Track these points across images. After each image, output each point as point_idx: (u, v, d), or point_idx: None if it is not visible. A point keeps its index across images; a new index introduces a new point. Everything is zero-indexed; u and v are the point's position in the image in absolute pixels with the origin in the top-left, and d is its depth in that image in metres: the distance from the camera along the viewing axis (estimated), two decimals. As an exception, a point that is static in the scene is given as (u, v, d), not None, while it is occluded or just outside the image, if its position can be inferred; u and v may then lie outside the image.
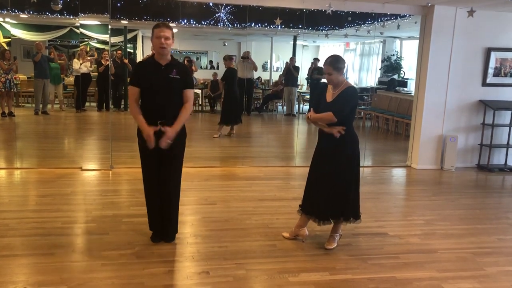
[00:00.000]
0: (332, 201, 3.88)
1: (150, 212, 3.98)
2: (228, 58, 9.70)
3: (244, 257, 3.74)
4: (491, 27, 7.21)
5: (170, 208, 3.91)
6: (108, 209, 4.78)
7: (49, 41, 14.78)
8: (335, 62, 3.84)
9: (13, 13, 9.94)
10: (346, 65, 3.94)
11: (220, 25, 10.46)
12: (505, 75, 7.45)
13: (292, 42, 14.86)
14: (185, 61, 13.33)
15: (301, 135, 10.27)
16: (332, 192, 3.87)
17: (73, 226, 4.31)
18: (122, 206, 4.92)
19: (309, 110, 4.09)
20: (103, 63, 12.17)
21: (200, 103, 14.22)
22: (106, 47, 14.10)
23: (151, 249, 3.81)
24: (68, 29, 14.02)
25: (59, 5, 8.41)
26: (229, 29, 11.01)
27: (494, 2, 6.22)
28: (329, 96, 3.93)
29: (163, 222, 3.94)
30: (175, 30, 12.60)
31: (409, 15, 8.23)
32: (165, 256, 3.70)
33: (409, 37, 13.72)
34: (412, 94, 9.12)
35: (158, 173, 3.84)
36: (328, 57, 3.92)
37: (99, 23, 12.32)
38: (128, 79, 13.25)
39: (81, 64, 12.11)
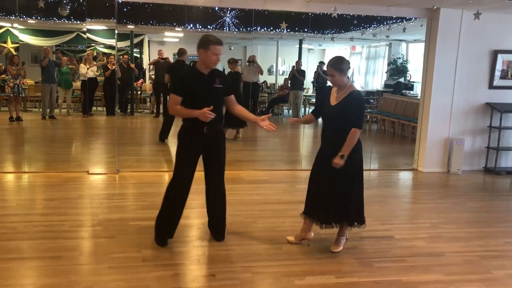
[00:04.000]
0: (335, 205, 3.86)
1: (170, 217, 3.96)
2: (232, 62, 9.73)
3: (250, 260, 3.75)
4: (497, 30, 7.19)
5: (223, 206, 4.09)
6: (114, 212, 4.80)
7: (56, 46, 14.89)
8: (337, 63, 3.82)
9: (21, 19, 10.04)
10: (350, 66, 3.91)
11: (226, 29, 10.50)
12: (512, 78, 7.42)
13: (297, 46, 14.88)
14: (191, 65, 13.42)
15: (307, 139, 10.26)
16: (334, 196, 3.85)
17: (80, 229, 4.34)
18: (128, 210, 4.94)
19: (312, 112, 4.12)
20: (110, 67, 12.25)
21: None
22: (113, 52, 14.19)
23: (158, 252, 3.82)
24: (75, 34, 14.12)
25: (67, 11, 8.48)
26: (234, 33, 11.04)
27: (500, 4, 6.20)
28: (333, 99, 3.93)
29: (217, 221, 4.11)
30: (181, 35, 12.65)
31: (415, 18, 8.21)
32: (171, 259, 3.72)
33: (415, 40, 13.70)
34: (418, 97, 9.09)
35: (192, 176, 3.98)
36: (331, 59, 3.90)
37: (105, 28, 12.41)
38: (144, 83, 13.33)
39: (88, 69, 12.19)
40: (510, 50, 7.31)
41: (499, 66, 7.32)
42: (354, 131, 3.72)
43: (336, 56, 3.92)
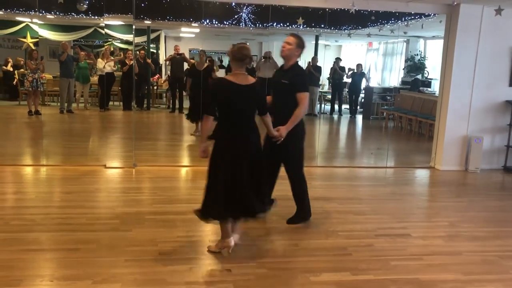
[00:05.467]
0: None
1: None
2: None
3: (266, 256, 3.75)
4: (519, 26, 7.05)
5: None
6: (131, 206, 4.84)
7: (74, 41, 15.06)
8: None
9: (40, 14, 10.18)
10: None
11: (242, 25, 10.48)
12: (533, 75, 7.27)
13: (314, 42, 14.79)
14: (207, 61, 13.44)
15: (322, 135, 10.22)
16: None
17: (97, 222, 4.38)
18: (145, 204, 4.98)
19: None
20: (127, 62, 12.34)
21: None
22: (130, 47, 14.30)
23: (174, 246, 3.85)
24: (92, 29, 14.26)
25: (85, 6, 8.56)
26: (251, 29, 11.02)
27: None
28: None
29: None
30: (197, 30, 12.73)
31: (434, 14, 8.10)
32: (187, 254, 3.73)
33: (433, 36, 13.51)
34: (436, 95, 8.98)
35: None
36: None
37: (123, 23, 12.50)
38: (160, 78, 13.40)
39: (105, 64, 12.30)
40: (532, 47, 7.16)
41: (520, 63, 7.18)
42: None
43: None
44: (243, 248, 3.85)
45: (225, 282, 3.28)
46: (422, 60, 14.43)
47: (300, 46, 4.25)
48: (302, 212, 4.53)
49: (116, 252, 3.70)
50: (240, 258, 3.68)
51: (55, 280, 3.22)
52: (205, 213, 3.68)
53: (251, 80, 3.69)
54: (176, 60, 12.50)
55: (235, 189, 3.59)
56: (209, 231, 4.23)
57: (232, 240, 3.74)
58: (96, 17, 10.17)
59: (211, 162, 3.65)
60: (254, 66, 12.22)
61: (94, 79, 12.98)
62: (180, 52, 12.79)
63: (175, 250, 3.79)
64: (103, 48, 13.54)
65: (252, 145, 3.71)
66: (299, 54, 4.29)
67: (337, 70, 13.68)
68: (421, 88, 12.45)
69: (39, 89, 10.93)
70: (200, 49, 9.30)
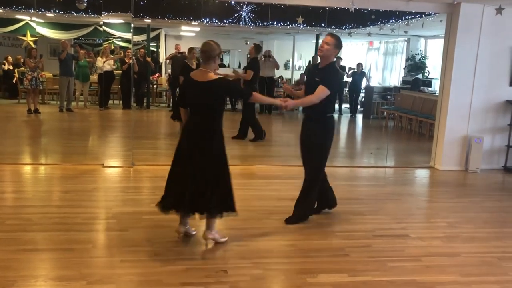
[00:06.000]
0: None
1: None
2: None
3: (262, 256, 3.72)
4: (520, 26, 7.01)
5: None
6: (128, 206, 4.82)
7: (74, 39, 15.03)
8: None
9: (40, 12, 10.15)
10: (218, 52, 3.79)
11: (242, 23, 10.45)
12: (534, 75, 7.23)
13: (314, 41, 14.75)
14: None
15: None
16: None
17: (94, 222, 4.36)
18: (142, 203, 4.95)
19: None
20: (127, 61, 12.30)
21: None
22: (130, 46, 14.26)
23: (170, 247, 3.82)
24: (92, 27, 14.22)
25: (84, 4, 8.54)
26: (251, 27, 10.99)
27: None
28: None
29: None
30: (197, 29, 12.60)
31: (434, 13, 8.06)
32: (184, 254, 3.71)
33: (434, 35, 13.47)
34: (437, 94, 8.93)
35: None
36: None
37: (122, 21, 12.46)
38: (160, 77, 13.34)
39: (104, 62, 12.27)
40: (533, 47, 7.12)
41: (520, 63, 7.14)
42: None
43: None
44: (239, 249, 3.83)
45: (221, 283, 3.26)
46: (422, 59, 14.39)
47: (338, 46, 4.36)
48: (302, 211, 4.52)
49: (111, 252, 3.68)
50: (237, 258, 3.65)
51: (49, 280, 3.19)
52: (160, 202, 3.89)
53: (211, 77, 3.70)
54: (177, 59, 12.47)
55: (181, 182, 3.77)
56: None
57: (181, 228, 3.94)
58: (95, 16, 10.14)
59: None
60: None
61: (94, 77, 12.96)
62: (181, 50, 12.77)
63: (171, 250, 3.76)
64: (103, 47, 13.51)
65: (201, 143, 3.76)
66: (336, 54, 4.42)
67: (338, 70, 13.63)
68: (421, 87, 12.40)
69: (38, 88, 10.90)
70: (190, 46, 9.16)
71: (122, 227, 4.19)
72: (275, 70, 12.36)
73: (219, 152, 3.79)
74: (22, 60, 12.79)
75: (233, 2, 9.65)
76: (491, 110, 7.22)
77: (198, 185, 3.71)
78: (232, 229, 4.27)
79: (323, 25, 10.65)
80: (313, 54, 14.36)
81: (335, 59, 4.52)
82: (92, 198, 5.08)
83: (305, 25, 10.44)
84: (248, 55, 8.77)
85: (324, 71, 4.35)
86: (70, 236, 3.96)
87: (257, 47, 8.58)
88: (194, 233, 4.07)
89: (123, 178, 6.02)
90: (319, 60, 4.58)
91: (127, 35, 13.27)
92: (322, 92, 4.21)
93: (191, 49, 9.00)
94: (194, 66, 8.81)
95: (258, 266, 3.53)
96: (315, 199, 4.64)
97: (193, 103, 3.80)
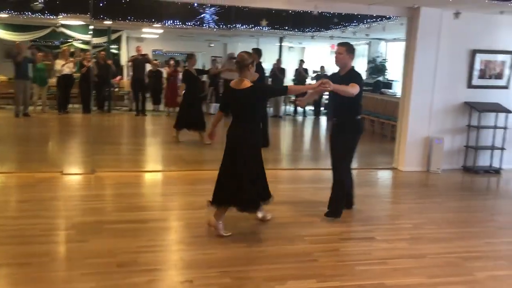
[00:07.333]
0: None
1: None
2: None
3: (230, 264, 3.64)
4: (476, 30, 7.22)
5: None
6: (89, 215, 4.63)
7: (31, 41, 14.50)
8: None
9: (-7, 13, 9.71)
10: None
11: (205, 26, 10.35)
12: (490, 77, 7.47)
13: (278, 44, 14.81)
14: (171, 62, 13.20)
15: (287, 137, 10.22)
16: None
17: (52, 233, 4.15)
18: (104, 212, 4.77)
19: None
20: (86, 64, 11.94)
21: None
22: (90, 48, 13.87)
23: (133, 257, 3.67)
24: (50, 29, 13.78)
25: (40, 5, 8.21)
26: (214, 30, 10.90)
27: (479, 4, 6.21)
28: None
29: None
30: (160, 31, 12.42)
31: (395, 17, 8.21)
32: (148, 265, 3.57)
33: (395, 38, 13.76)
34: (398, 96, 9.10)
35: None
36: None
37: (82, 23, 12.10)
38: (122, 80, 12.99)
39: (63, 65, 11.86)
40: (488, 50, 7.35)
41: (477, 66, 7.35)
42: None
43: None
44: (206, 257, 3.73)
45: (187, 294, 3.16)
46: (383, 62, 14.68)
47: (350, 51, 4.68)
48: (335, 208, 4.78)
49: (71, 265, 3.51)
50: (203, 267, 3.55)
51: (3, 298, 3.01)
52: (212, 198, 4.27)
53: (247, 84, 4.11)
54: (138, 61, 12.23)
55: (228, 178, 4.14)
56: (172, 240, 4.10)
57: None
58: (52, 17, 9.78)
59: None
60: (219, 67, 12.10)
61: (53, 81, 12.53)
62: (143, 53, 12.52)
63: (134, 261, 3.62)
64: (62, 49, 13.06)
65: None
66: (352, 58, 4.72)
67: (301, 72, 13.73)
68: (382, 89, 12.63)
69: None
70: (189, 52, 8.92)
71: (82, 238, 4.01)
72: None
73: (256, 150, 4.27)
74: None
75: (196, 4, 9.53)
76: (451, 111, 7.41)
77: (245, 180, 4.10)
78: (197, 236, 4.17)
79: (286, 28, 10.69)
80: (277, 56, 14.38)
81: (352, 65, 4.79)
82: (50, 208, 4.84)
83: (269, 27, 10.45)
84: None
85: (349, 75, 4.63)
86: (27, 249, 3.75)
87: (257, 51, 8.22)
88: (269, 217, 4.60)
89: (83, 186, 5.80)
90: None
91: (87, 37, 12.91)
92: (355, 87, 4.44)
93: (191, 56, 8.81)
94: (195, 73, 8.65)
95: (226, 274, 3.45)
96: (343, 195, 4.87)
97: (235, 108, 4.22)
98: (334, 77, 4.77)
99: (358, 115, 4.78)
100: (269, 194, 4.39)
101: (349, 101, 4.57)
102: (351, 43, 4.84)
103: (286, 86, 4.65)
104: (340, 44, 4.71)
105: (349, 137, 4.75)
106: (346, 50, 4.64)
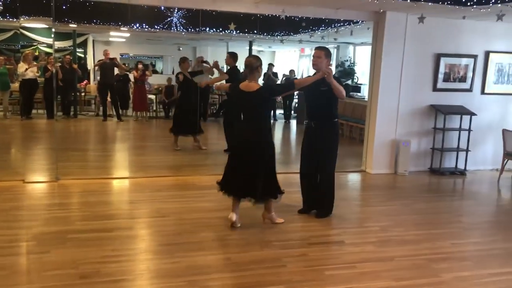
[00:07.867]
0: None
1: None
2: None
3: (198, 273, 3.56)
4: (440, 34, 7.38)
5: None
6: (51, 225, 4.47)
7: (-8, 44, 14.04)
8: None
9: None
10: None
11: (174, 29, 10.22)
12: (454, 80, 7.64)
13: (248, 48, 14.79)
14: (139, 66, 12.98)
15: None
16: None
17: (11, 245, 3.97)
18: (67, 221, 4.62)
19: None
20: (49, 68, 11.61)
21: (155, 109, 13.89)
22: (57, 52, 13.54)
23: (97, 268, 3.56)
24: (12, 32, 13.37)
25: (0, 7, 7.92)
26: (183, 33, 10.78)
27: (443, 9, 6.34)
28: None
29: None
30: (127, 35, 12.19)
31: (362, 21, 8.31)
32: (112, 276, 3.46)
33: (362, 43, 13.95)
34: (366, 99, 9.20)
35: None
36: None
37: (45, 26, 11.77)
38: (88, 84, 12.69)
39: (26, 69, 11.50)
40: (451, 54, 7.52)
41: (442, 69, 7.51)
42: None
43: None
44: (172, 266, 3.65)
45: (152, 305, 3.07)
46: (351, 66, 14.85)
47: (328, 55, 4.79)
48: (327, 207, 5.02)
49: (31, 279, 3.37)
50: (169, 277, 3.47)
51: (-44, 316, 2.85)
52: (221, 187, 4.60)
53: (255, 86, 4.39)
54: (106, 65, 11.98)
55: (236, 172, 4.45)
56: (138, 249, 3.99)
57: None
58: (13, 19, 9.46)
59: None
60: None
61: (15, 85, 12.14)
62: (111, 57, 12.28)
63: (98, 272, 3.50)
64: (24, 52, 12.65)
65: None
66: (329, 62, 4.81)
67: (270, 76, 13.75)
68: (351, 93, 12.77)
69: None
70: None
71: (44, 249, 3.86)
72: (209, 76, 12.21)
73: (272, 146, 4.55)
74: None
75: (163, 8, 9.41)
76: (417, 114, 7.53)
77: (258, 176, 4.42)
78: (164, 244, 4.08)
79: (255, 31, 10.67)
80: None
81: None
82: (9, 218, 4.65)
83: (238, 31, 10.40)
84: (228, 66, 8.40)
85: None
86: (-17, 262, 3.58)
87: (233, 55, 8.19)
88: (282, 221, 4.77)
89: (46, 195, 5.61)
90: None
91: (50, 41, 12.58)
92: (343, 90, 4.67)
93: (184, 59, 8.72)
94: (189, 77, 8.56)
95: (193, 283, 3.37)
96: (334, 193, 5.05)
97: (245, 110, 4.48)
98: (316, 83, 4.71)
99: (336, 118, 4.94)
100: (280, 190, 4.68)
101: (328, 104, 4.76)
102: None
103: (293, 81, 4.96)
104: (318, 48, 4.80)
105: (332, 139, 4.91)
106: (324, 54, 4.75)
